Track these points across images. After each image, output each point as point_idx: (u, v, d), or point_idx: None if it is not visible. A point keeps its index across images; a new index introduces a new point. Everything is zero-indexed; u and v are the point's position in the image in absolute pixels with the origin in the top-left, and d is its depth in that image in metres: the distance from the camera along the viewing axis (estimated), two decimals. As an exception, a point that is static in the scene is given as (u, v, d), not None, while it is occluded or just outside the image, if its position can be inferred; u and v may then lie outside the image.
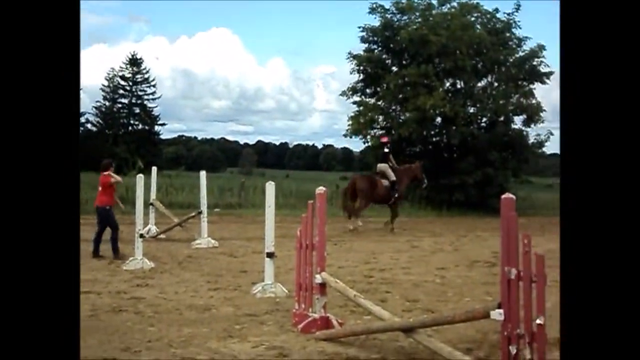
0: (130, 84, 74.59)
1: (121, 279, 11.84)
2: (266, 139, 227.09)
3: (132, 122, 74.67)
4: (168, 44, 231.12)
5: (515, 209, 5.61)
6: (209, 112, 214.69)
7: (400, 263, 14.56)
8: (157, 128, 76.48)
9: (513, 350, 5.47)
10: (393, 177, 22.95)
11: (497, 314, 5.61)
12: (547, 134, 34.74)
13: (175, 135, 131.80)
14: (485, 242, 19.11)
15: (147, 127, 75.01)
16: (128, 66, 74.95)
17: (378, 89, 34.22)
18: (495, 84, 34.53)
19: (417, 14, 34.09)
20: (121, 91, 74.72)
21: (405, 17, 34.21)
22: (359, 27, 34.23)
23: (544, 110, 34.22)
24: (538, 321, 5.32)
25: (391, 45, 33.91)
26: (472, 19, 34.42)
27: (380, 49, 34.65)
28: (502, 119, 33.94)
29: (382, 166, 23.41)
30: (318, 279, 8.27)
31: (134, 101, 74.57)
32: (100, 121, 72.68)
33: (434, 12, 34.35)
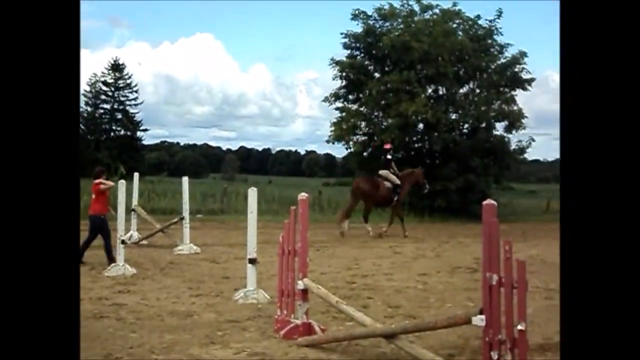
0: (113, 89, 74.25)
1: (103, 285, 11.79)
2: (249, 144, 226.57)
3: (114, 127, 74.31)
4: (150, 50, 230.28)
5: (497, 215, 5.63)
6: (192, 118, 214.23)
7: (383, 269, 14.58)
8: (139, 134, 76.21)
9: (494, 356, 5.48)
10: (397, 181, 23.23)
11: (479, 320, 5.63)
12: (529, 140, 34.99)
13: (157, 141, 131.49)
14: (467, 248, 19.16)
15: (129, 133, 74.65)
16: (110, 72, 74.62)
17: (360, 95, 34.27)
18: (477, 91, 34.67)
19: (400, 20, 34.19)
20: (103, 97, 74.31)
21: (387, 24, 34.29)
22: (342, 34, 34.32)
23: (526, 117, 34.48)
24: (519, 327, 5.34)
25: (373, 52, 33.99)
26: (454, 25, 34.56)
27: (362, 55, 34.72)
28: (484, 125, 34.08)
29: (384, 172, 23.64)
30: (300, 285, 8.27)
31: (116, 107, 74.21)
32: (82, 127, 72.21)
33: (416, 18, 34.45)
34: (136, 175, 20.75)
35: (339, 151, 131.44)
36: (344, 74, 34.04)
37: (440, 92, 34.53)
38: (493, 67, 34.46)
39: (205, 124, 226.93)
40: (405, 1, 34.53)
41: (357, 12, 34.18)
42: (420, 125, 33.44)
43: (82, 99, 73.66)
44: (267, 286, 10.88)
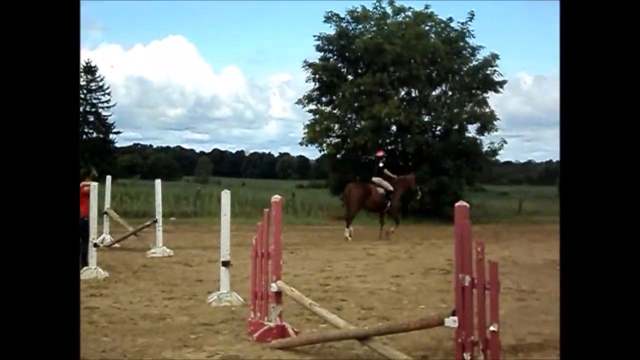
0: (85, 91, 73.60)
1: (75, 289, 11.68)
2: (222, 147, 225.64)
3: (86, 130, 73.70)
4: (123, 52, 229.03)
5: (469, 217, 5.66)
6: (165, 120, 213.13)
7: (356, 271, 14.59)
8: (111, 136, 75.83)
9: (467, 357, 5.50)
10: (390, 187, 23.42)
11: (452, 321, 5.65)
12: (501, 142, 35.29)
13: (130, 143, 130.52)
14: (439, 249, 19.22)
15: (101, 136, 74.21)
16: (82, 74, 73.94)
17: (334, 97, 34.30)
18: (450, 93, 34.84)
19: (372, 23, 34.31)
20: (75, 99, 73.80)
21: (360, 26, 34.40)
22: (315, 36, 34.38)
23: (498, 119, 34.73)
24: (492, 328, 5.36)
25: (346, 54, 34.07)
26: (427, 28, 34.71)
27: (335, 57, 34.78)
28: (456, 127, 34.26)
29: (377, 179, 23.84)
30: (274, 287, 8.26)
31: (88, 109, 73.63)
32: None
33: (388, 21, 34.57)
34: (109, 178, 20.64)
35: (313, 153, 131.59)
36: (317, 76, 34.06)
37: (413, 95, 34.66)
38: (465, 69, 34.65)
39: (178, 127, 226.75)
40: (377, 4, 34.70)
41: (329, 14, 34.27)
42: (393, 128, 33.58)
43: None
44: (240, 289, 10.85)
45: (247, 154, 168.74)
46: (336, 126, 33.98)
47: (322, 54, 34.74)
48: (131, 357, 7.38)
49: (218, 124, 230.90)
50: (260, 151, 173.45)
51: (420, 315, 8.45)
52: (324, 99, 34.82)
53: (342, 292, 11.77)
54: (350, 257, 17.33)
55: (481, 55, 35.04)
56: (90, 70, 74.28)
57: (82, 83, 73.53)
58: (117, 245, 18.10)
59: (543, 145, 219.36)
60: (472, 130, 34.99)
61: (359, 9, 34.28)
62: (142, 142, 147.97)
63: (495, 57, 34.57)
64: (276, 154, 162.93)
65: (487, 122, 34.05)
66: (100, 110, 74.30)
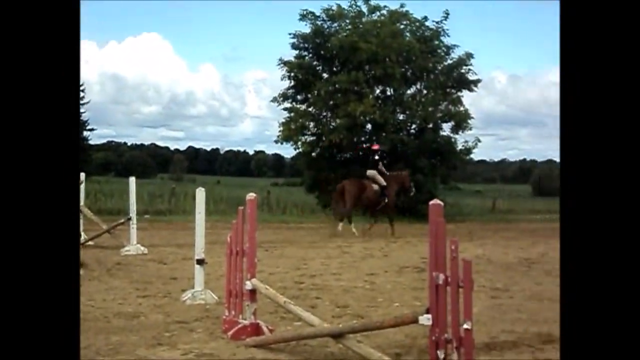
0: (58, 88, 73.21)
1: (48, 287, 11.61)
2: (197, 144, 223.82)
3: (59, 127, 73.26)
4: (97, 49, 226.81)
5: (444, 215, 5.69)
6: (139, 118, 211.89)
7: (331, 269, 14.61)
8: (86, 133, 75.15)
9: (441, 355, 5.53)
10: (383, 183, 23.61)
11: (425, 319, 5.67)
12: (475, 140, 35.35)
13: (104, 140, 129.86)
14: (414, 247, 19.27)
15: (75, 132, 73.75)
16: (55, 70, 73.54)
17: (309, 95, 34.23)
18: (424, 92, 34.86)
19: (347, 21, 34.27)
20: (49, 96, 73.31)
21: (335, 24, 34.34)
22: (290, 34, 34.27)
23: (472, 118, 34.78)
24: (465, 326, 5.39)
25: (322, 52, 34.02)
26: (402, 26, 34.71)
27: (310, 55, 34.70)
28: (431, 126, 34.30)
29: (371, 172, 24.04)
30: (248, 285, 8.25)
31: (61, 106, 73.20)
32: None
33: (364, 19, 34.55)
34: (82, 175, 20.49)
35: (288, 151, 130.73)
36: (292, 74, 33.96)
37: (388, 93, 34.66)
38: (440, 68, 34.70)
39: (153, 124, 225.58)
40: (353, 2, 34.69)
41: (305, 12, 34.18)
42: (369, 126, 33.56)
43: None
44: (215, 287, 10.83)
45: (222, 152, 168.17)
46: (311, 124, 33.92)
47: (297, 52, 34.66)
48: (105, 355, 7.35)
49: (193, 121, 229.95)
50: (235, 149, 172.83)
51: (395, 313, 8.48)
52: (299, 97, 34.74)
53: (316, 290, 11.78)
54: (325, 255, 17.35)
55: (456, 54, 35.14)
56: (64, 66, 73.75)
57: (56, 79, 73.03)
58: (90, 242, 17.98)
59: (517, 144, 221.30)
60: (446, 128, 35.07)
61: (335, 7, 34.23)
62: (116, 140, 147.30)
63: (469, 56, 34.69)
64: (251, 152, 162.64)
65: (461, 121, 34.12)
66: (74, 107, 73.76)
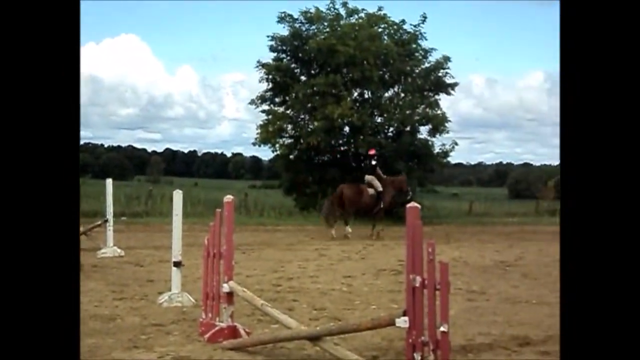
0: (34, 89, 72.80)
1: (23, 290, 11.54)
2: (174, 146, 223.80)
3: (35, 128, 72.87)
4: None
5: (421, 218, 5.70)
6: (117, 120, 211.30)
7: (308, 272, 14.62)
8: (62, 135, 74.92)
9: (418, 357, 5.54)
10: (380, 188, 23.72)
11: (402, 322, 5.67)
12: (452, 144, 35.43)
13: (81, 142, 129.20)
14: (391, 250, 19.32)
15: (51, 134, 73.43)
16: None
17: (287, 97, 34.20)
18: (402, 95, 34.91)
19: (326, 24, 34.28)
20: (25, 97, 72.85)
21: (313, 27, 34.35)
22: (268, 36, 34.25)
23: (449, 121, 34.86)
24: (442, 328, 5.40)
25: (300, 55, 34.01)
26: (380, 30, 34.78)
27: (289, 58, 34.70)
28: (408, 129, 34.37)
29: (369, 177, 24.18)
30: (225, 288, 8.24)
31: (37, 107, 72.83)
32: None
33: (342, 22, 34.55)
34: (59, 177, 20.38)
35: (266, 154, 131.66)
36: (270, 76, 33.94)
37: (366, 96, 34.68)
38: (417, 71, 34.79)
39: (131, 126, 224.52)
40: (331, 5, 34.71)
41: (283, 15, 34.17)
42: (346, 129, 33.55)
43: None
44: (192, 289, 10.81)
45: (199, 154, 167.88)
46: (289, 127, 33.90)
47: (275, 54, 34.66)
48: (81, 358, 7.31)
49: (171, 123, 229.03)
50: (213, 151, 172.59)
51: (372, 316, 8.49)
52: (277, 100, 34.71)
53: (294, 292, 11.78)
54: (302, 257, 17.35)
55: (433, 57, 35.26)
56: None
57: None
58: (66, 245, 17.87)
59: (493, 148, 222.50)
60: (423, 131, 35.14)
61: (313, 10, 34.24)
62: (93, 142, 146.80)
63: (447, 59, 34.80)
64: (229, 154, 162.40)
65: (438, 124, 34.22)
66: (50, 108, 73.45)
